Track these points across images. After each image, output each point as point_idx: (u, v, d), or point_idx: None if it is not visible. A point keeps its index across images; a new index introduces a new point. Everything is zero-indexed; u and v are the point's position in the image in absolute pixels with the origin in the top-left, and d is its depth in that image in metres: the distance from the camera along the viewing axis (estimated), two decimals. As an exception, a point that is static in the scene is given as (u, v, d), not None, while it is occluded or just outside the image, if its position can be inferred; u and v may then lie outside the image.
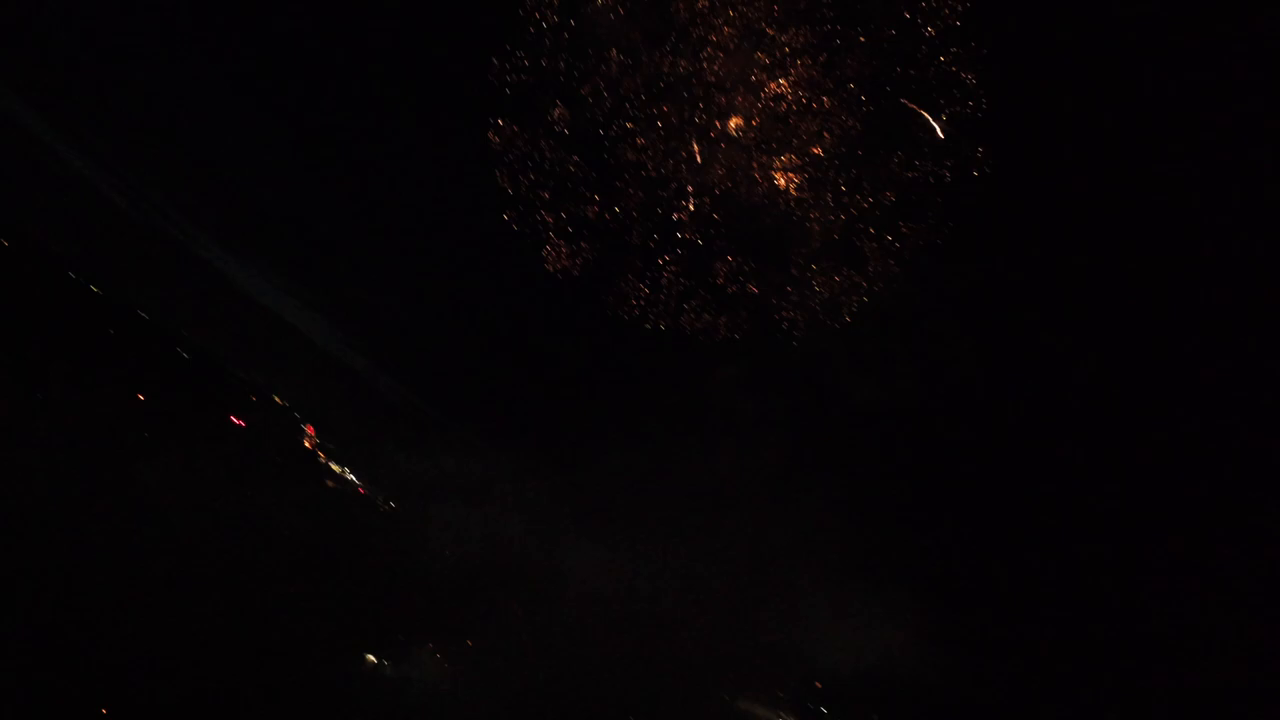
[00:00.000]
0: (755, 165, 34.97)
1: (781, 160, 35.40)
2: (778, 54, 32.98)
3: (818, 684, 51.95)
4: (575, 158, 33.79)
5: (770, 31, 31.81)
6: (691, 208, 36.78)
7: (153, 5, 38.77)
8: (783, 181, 36.22)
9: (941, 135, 34.01)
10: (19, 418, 34.44)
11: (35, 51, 40.99)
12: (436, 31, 37.73)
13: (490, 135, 30.89)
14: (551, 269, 33.85)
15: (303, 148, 44.72)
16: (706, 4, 31.20)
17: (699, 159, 34.90)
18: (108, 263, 51.10)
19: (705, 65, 33.12)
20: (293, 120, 43.56)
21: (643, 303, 40.24)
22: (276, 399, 56.18)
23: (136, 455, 39.52)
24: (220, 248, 54.46)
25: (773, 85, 32.86)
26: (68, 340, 44.55)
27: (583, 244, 36.40)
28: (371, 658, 44.10)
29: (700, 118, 33.39)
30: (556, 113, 32.50)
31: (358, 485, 57.14)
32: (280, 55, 40.02)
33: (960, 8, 29.50)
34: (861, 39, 30.94)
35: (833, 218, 36.66)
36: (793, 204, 36.06)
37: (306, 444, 56.45)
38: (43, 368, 38.78)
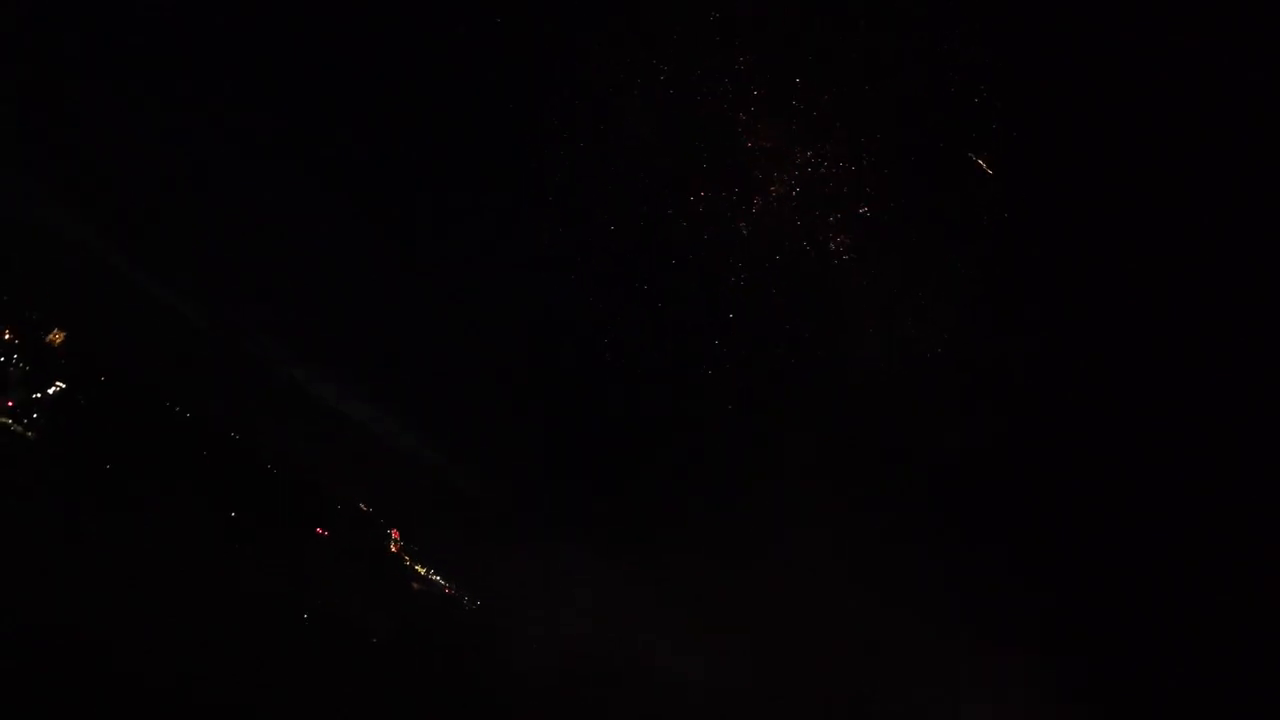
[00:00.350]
0: (801, 232, 35.00)
1: (829, 222, 35.26)
2: (811, 120, 33.38)
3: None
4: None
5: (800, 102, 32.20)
6: (744, 283, 36.80)
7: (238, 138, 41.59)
8: (833, 245, 35.97)
9: (989, 172, 33.39)
10: (116, 538, 36.06)
11: (116, 187, 44.27)
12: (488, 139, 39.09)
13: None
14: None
15: (369, 254, 46.46)
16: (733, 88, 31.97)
17: (744, 234, 35.21)
18: (189, 385, 53.48)
19: (740, 140, 33.71)
20: (354, 231, 45.51)
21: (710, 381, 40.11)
22: (361, 506, 56.94)
23: (228, 571, 40.63)
24: (297, 360, 56.56)
25: (808, 152, 33.06)
26: (160, 464, 46.76)
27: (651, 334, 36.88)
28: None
29: (739, 192, 33.76)
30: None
31: (444, 586, 57.17)
32: (342, 171, 42.22)
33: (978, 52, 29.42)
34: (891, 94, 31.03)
35: (886, 272, 36.21)
36: (844, 264, 35.71)
37: (392, 548, 57.06)
38: (136, 491, 40.65)
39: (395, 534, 57.52)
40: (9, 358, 42.20)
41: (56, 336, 45.18)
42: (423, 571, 56.23)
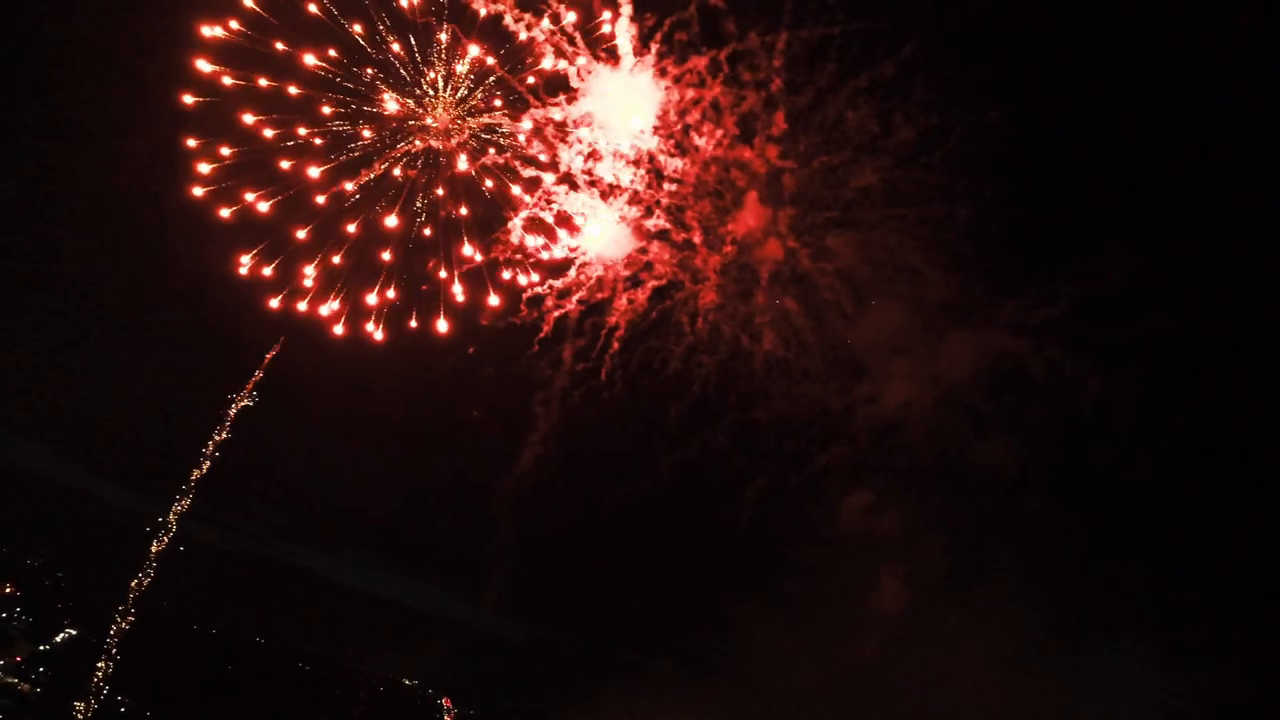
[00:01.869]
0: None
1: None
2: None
3: None
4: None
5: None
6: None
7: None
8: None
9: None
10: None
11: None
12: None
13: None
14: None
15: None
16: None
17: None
18: (227, 600, 52.89)
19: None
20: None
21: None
22: (405, 681, 55.10)
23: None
24: (323, 555, 55.97)
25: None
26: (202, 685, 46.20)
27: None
28: None
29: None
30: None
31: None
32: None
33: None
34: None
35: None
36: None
37: (447, 717, 54.65)
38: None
39: (447, 702, 55.33)
40: (11, 611, 41.56)
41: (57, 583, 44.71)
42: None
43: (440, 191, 36.65)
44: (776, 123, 34.85)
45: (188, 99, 34.68)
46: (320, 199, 36.49)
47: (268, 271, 37.00)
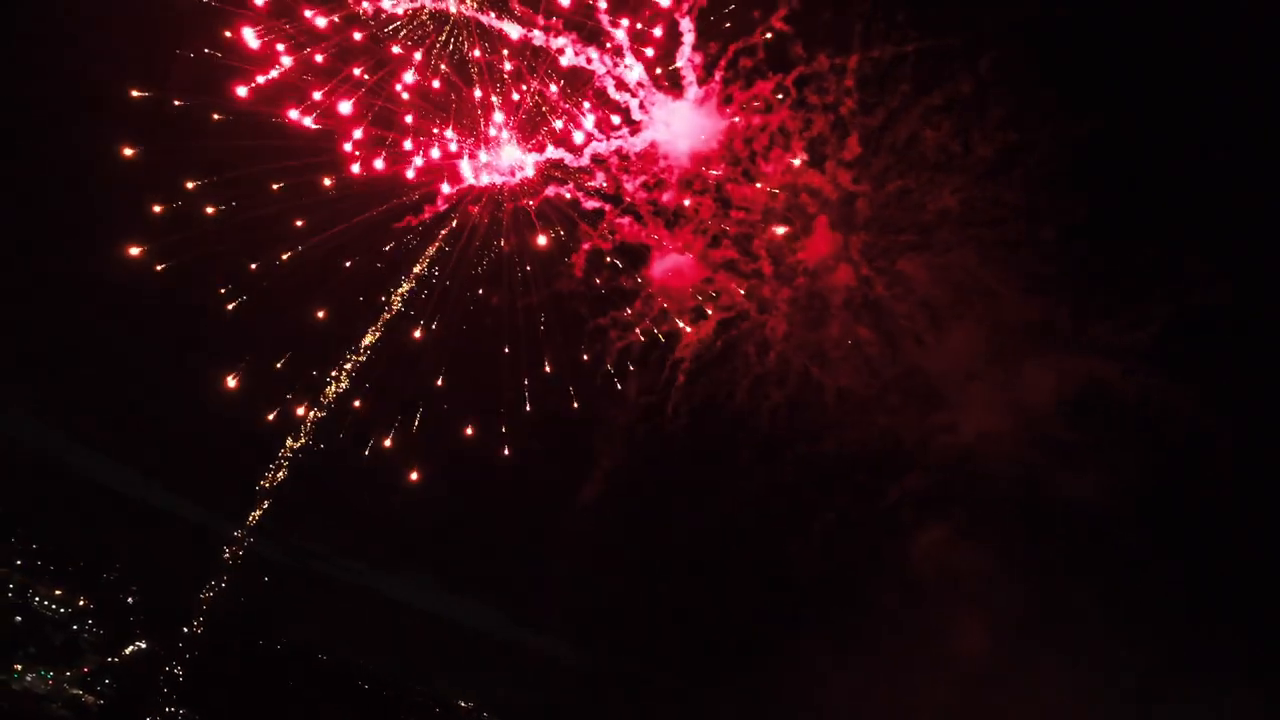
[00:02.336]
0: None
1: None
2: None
3: None
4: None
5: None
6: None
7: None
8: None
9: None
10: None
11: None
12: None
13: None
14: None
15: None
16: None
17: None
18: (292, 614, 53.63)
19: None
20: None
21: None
22: (461, 704, 54.92)
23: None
24: (386, 574, 56.34)
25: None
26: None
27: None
28: None
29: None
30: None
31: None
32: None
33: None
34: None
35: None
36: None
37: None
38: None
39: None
40: (83, 624, 42.70)
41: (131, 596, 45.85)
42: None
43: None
44: (848, 146, 33.92)
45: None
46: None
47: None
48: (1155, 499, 37.53)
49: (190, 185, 35.76)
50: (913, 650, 43.01)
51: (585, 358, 37.08)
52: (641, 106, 34.11)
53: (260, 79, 33.43)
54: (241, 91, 33.61)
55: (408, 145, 35.55)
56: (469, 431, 41.05)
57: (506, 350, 37.33)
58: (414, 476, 41.79)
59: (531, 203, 36.55)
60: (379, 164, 35.45)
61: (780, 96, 33.47)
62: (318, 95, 34.09)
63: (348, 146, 34.82)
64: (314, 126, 34.50)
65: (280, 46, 33.40)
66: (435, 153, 35.64)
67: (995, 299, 35.49)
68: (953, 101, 32.32)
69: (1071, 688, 40.67)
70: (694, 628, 52.15)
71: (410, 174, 35.85)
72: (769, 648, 49.46)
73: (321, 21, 33.41)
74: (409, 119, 35.33)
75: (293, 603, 52.76)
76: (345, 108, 34.25)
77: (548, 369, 37.46)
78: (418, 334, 38.92)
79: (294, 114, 34.10)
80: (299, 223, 36.75)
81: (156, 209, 35.98)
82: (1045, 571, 40.68)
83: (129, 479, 48.86)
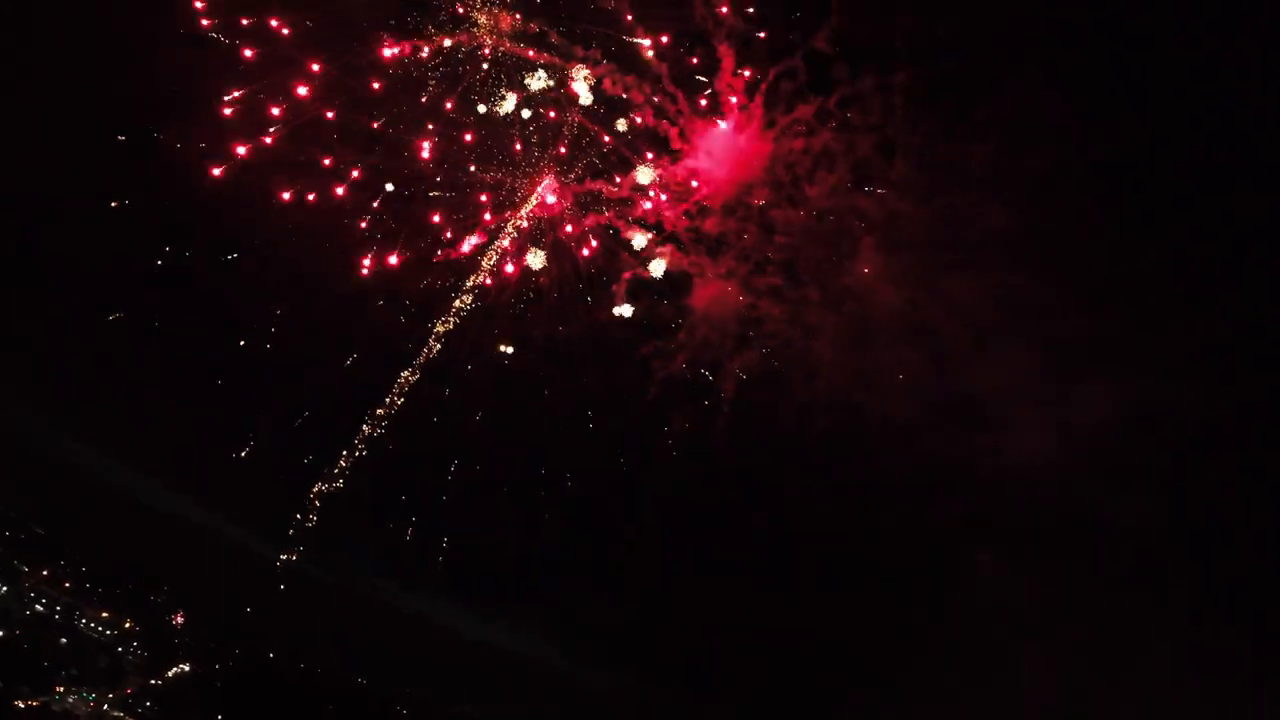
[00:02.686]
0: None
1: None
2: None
3: None
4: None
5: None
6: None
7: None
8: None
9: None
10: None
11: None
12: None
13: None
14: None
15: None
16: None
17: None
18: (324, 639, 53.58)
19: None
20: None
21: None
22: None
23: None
24: (433, 599, 56.08)
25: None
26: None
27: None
28: None
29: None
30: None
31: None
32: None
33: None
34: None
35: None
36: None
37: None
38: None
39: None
40: (128, 645, 43.16)
41: (179, 618, 46.31)
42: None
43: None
44: (893, 166, 33.25)
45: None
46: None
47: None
48: (1212, 522, 36.18)
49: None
50: (974, 687, 41.33)
51: (628, 387, 36.77)
52: (682, 134, 33.93)
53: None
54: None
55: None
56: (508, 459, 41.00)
57: (546, 377, 37.24)
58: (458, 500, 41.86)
59: (570, 229, 36.47)
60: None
61: (823, 119, 33.15)
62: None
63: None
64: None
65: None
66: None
67: (1048, 316, 34.52)
68: (999, 117, 31.75)
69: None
70: (741, 662, 50.85)
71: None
72: (820, 680, 48.04)
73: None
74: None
75: (339, 627, 52.76)
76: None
77: (588, 398, 37.25)
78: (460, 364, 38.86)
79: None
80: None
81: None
82: (1103, 600, 39.15)
83: (179, 502, 49.53)
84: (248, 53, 32.35)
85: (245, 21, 32.21)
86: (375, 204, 35.22)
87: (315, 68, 32.79)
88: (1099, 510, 36.87)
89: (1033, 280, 33.81)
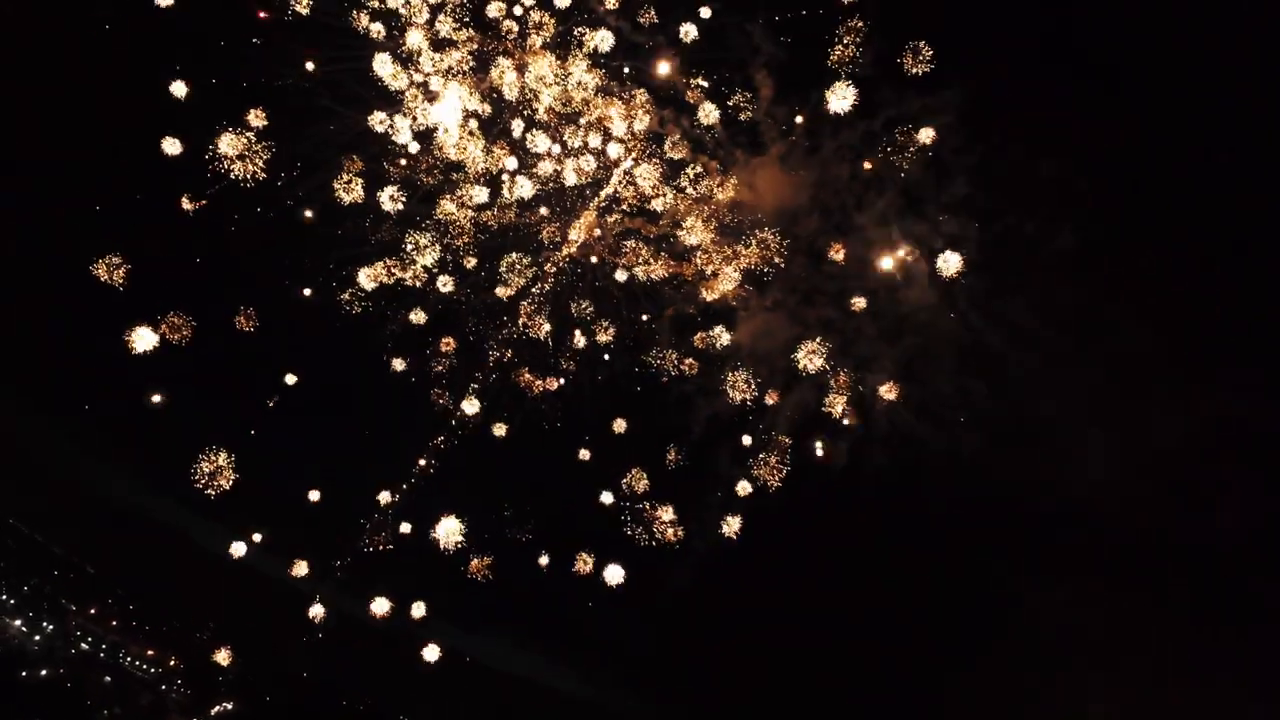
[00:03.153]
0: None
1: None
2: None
3: None
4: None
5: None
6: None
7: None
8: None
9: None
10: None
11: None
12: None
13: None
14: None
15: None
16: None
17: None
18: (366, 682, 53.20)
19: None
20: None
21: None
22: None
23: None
24: (471, 636, 55.45)
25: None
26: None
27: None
28: None
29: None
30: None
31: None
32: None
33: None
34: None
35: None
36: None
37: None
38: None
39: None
40: (171, 683, 43.15)
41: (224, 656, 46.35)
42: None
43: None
44: (951, 187, 32.00)
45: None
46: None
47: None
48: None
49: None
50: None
51: (673, 426, 35.61)
52: (721, 165, 33.19)
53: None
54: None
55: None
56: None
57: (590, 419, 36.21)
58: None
59: (609, 260, 35.68)
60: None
61: (871, 144, 32.15)
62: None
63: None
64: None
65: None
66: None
67: (1119, 332, 32.96)
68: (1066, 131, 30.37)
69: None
70: (797, 699, 49.04)
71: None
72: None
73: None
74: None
75: (381, 666, 52.32)
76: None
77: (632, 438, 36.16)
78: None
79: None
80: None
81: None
82: (1184, 625, 36.58)
83: (228, 540, 49.78)
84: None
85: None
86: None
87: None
88: (1174, 536, 34.99)
89: (1096, 297, 32.49)
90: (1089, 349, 33.51)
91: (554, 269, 35.89)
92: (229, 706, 44.61)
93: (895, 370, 34.33)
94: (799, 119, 32.66)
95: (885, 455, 34.81)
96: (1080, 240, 31.45)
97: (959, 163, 31.93)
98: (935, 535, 37.89)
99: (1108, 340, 33.26)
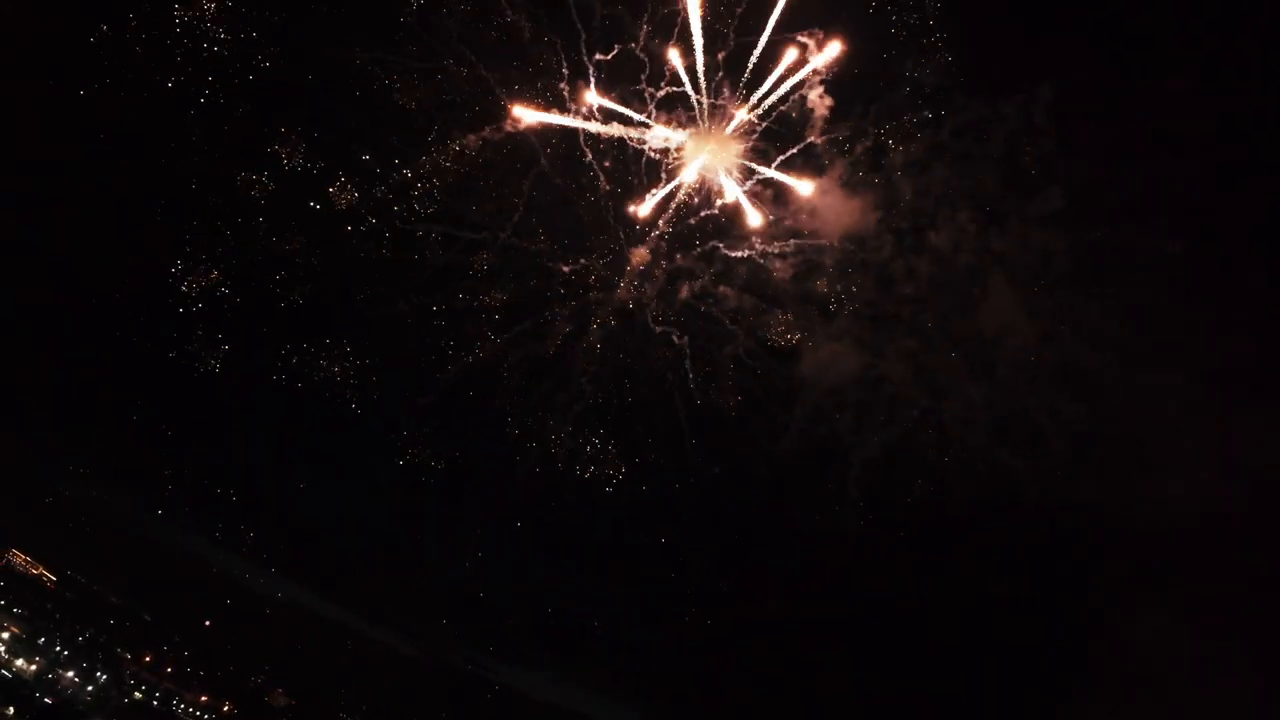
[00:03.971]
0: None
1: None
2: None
3: None
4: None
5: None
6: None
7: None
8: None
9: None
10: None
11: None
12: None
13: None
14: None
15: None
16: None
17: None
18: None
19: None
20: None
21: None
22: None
23: None
24: (516, 669, 54.60)
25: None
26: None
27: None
28: None
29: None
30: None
31: None
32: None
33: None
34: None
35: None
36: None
37: None
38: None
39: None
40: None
41: (278, 698, 45.69)
42: None
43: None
44: (1026, 197, 30.26)
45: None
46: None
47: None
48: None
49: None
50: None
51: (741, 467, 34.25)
52: (780, 192, 31.79)
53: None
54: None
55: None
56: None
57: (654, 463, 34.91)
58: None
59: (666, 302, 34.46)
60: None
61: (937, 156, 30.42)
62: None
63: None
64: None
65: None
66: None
67: (1203, 338, 30.84)
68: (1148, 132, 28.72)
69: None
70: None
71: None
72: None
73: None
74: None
75: (439, 709, 51.43)
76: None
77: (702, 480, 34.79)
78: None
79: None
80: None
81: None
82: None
83: (283, 584, 49.61)
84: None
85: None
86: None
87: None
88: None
89: (1184, 301, 30.64)
90: (1184, 361, 31.27)
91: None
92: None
93: (972, 395, 32.59)
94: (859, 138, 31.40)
95: (966, 486, 33.07)
96: (1178, 249, 29.77)
97: (1039, 169, 30.32)
98: (1022, 567, 35.82)
99: (1199, 347, 30.98)
